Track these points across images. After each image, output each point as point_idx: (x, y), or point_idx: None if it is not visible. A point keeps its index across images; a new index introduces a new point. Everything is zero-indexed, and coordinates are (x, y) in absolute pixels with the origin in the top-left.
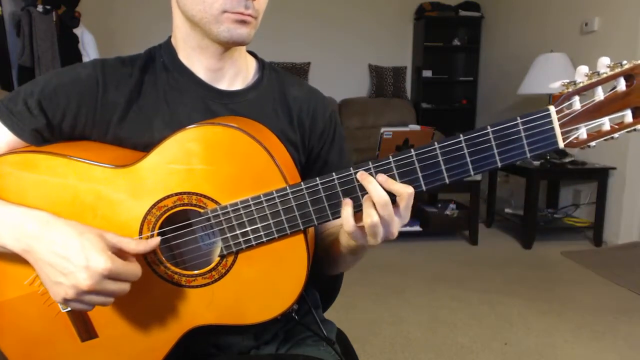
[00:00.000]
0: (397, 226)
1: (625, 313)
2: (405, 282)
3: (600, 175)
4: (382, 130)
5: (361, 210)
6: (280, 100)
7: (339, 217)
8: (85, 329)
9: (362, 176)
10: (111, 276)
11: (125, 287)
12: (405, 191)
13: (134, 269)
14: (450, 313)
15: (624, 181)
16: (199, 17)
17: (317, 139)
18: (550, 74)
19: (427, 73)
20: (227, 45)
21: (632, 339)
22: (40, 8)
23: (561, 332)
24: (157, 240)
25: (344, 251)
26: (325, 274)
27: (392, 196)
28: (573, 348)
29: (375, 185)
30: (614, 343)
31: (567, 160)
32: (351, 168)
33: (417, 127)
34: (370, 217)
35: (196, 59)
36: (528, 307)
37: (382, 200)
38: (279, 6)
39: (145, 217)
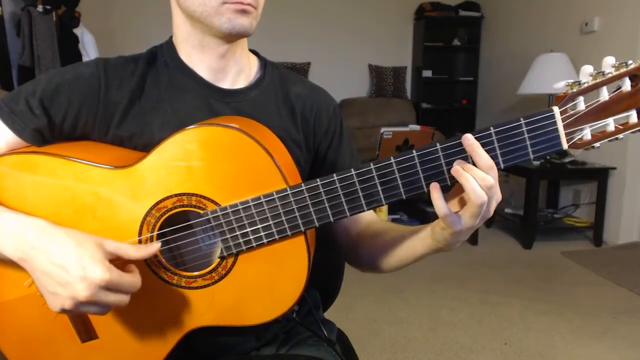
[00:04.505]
0: (494, 203)
1: (625, 313)
2: (405, 282)
3: (600, 175)
4: (382, 130)
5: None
6: (282, 98)
7: (340, 217)
8: (85, 330)
9: (460, 164)
10: (109, 287)
11: (124, 298)
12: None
13: (133, 280)
14: (450, 313)
15: (624, 181)
16: (200, 11)
17: (323, 135)
18: (550, 74)
19: (427, 73)
20: (230, 38)
21: (632, 339)
22: (40, 8)
23: (561, 332)
24: (157, 245)
25: (423, 251)
26: (380, 271)
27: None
28: (573, 348)
29: (475, 162)
30: (614, 343)
31: (567, 160)
32: (352, 169)
33: (417, 127)
34: (479, 193)
35: (197, 58)
36: (528, 307)
37: (488, 164)
38: (279, 6)
39: (144, 218)
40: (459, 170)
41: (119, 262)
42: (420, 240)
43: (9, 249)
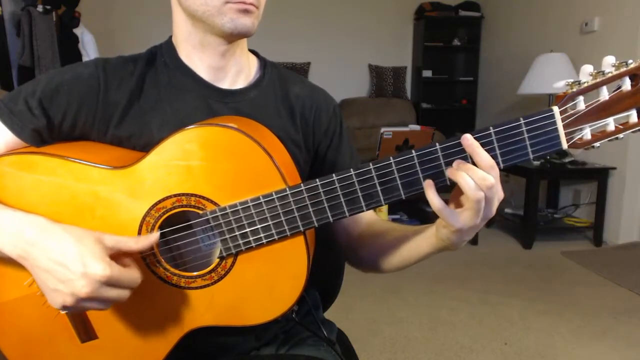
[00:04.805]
0: (496, 203)
1: (625, 313)
2: (405, 282)
3: (600, 175)
4: (382, 130)
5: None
6: (282, 98)
7: (339, 218)
8: (84, 330)
9: (459, 163)
10: (110, 283)
11: (124, 293)
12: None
13: (134, 275)
14: (450, 313)
15: (624, 181)
16: (202, 11)
17: (323, 135)
18: (550, 74)
19: (427, 73)
20: (232, 38)
21: (632, 339)
22: (40, 8)
23: (561, 332)
24: (156, 235)
25: (428, 250)
26: (380, 272)
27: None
28: (573, 348)
29: (475, 162)
30: (614, 343)
31: (567, 160)
32: (351, 169)
33: (417, 127)
34: (474, 191)
35: (197, 57)
36: (528, 307)
37: (489, 163)
38: (279, 6)
39: (144, 219)
40: (453, 168)
41: (119, 258)
42: (424, 240)
43: (8, 246)
